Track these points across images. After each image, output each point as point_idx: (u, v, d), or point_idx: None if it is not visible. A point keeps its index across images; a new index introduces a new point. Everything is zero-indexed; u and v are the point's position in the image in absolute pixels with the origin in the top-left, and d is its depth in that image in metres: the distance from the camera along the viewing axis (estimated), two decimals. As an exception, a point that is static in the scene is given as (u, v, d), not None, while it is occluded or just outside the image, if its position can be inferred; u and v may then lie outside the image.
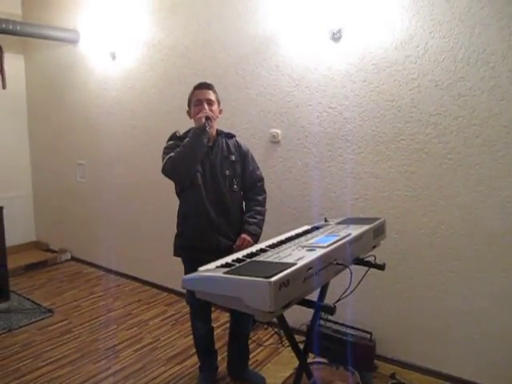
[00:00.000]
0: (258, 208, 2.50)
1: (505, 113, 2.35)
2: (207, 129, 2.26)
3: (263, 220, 2.50)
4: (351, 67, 2.78)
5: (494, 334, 2.49)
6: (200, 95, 2.39)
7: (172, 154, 2.31)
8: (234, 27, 3.28)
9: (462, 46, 2.43)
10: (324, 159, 2.96)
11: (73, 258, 4.94)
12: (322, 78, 2.90)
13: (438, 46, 2.50)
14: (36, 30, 4.27)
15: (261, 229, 2.47)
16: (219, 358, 2.70)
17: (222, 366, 2.71)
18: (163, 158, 2.37)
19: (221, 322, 3.31)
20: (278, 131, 3.14)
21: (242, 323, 2.61)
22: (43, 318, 3.43)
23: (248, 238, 2.40)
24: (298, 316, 2.40)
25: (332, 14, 2.78)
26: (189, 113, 2.49)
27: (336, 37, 2.79)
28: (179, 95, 3.65)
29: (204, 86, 2.42)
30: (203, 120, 2.28)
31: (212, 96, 2.41)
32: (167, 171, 2.34)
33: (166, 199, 3.81)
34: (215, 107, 2.42)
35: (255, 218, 2.45)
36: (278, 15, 3.04)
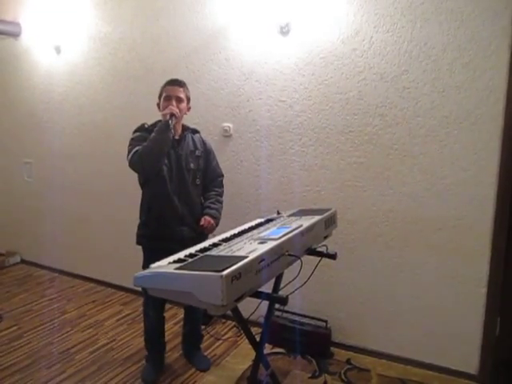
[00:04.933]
0: (218, 197, 2.65)
1: (446, 104, 2.46)
2: (170, 125, 2.30)
3: (222, 208, 2.63)
4: (300, 61, 2.81)
5: (442, 317, 2.61)
6: (170, 91, 2.44)
7: (138, 147, 2.35)
8: (182, 20, 3.24)
9: (405, 39, 2.52)
10: (275, 152, 2.99)
11: (23, 261, 4.73)
12: (272, 72, 2.92)
13: (382, 39, 2.57)
14: (-27, 23, 4.04)
15: (220, 215, 2.60)
16: (177, 354, 2.67)
17: (172, 358, 2.72)
18: (129, 150, 2.40)
19: (179, 317, 3.29)
20: (230, 125, 3.14)
21: (194, 309, 2.68)
22: (-9, 325, 3.28)
23: (212, 220, 2.51)
24: (255, 308, 2.43)
25: (280, 9, 2.81)
26: (158, 105, 2.51)
27: (284, 31, 2.82)
28: (128, 90, 3.58)
29: (175, 83, 2.47)
30: (168, 116, 2.32)
31: (182, 94, 2.46)
32: (134, 165, 2.38)
33: (117, 196, 3.73)
34: (184, 105, 2.47)
35: (216, 204, 2.60)
36: (226, 9, 3.03)
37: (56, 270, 4.40)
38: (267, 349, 2.84)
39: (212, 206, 2.57)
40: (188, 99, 2.52)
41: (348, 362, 2.77)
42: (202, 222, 2.49)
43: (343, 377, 2.60)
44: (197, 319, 2.77)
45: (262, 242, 1.63)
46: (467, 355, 2.57)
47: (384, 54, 2.58)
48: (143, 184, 2.53)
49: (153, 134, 2.33)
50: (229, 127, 3.14)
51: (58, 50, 3.97)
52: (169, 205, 2.44)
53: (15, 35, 4.24)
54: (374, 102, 2.64)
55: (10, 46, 4.33)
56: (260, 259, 1.44)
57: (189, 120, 3.18)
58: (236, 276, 1.31)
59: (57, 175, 4.24)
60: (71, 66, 3.92)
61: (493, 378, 2.53)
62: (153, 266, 1.58)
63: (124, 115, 3.59)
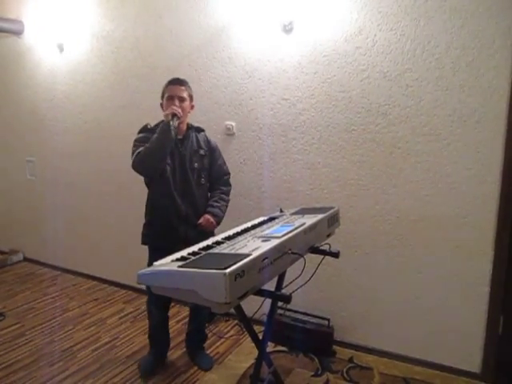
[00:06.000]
0: (222, 195, 2.62)
1: (449, 102, 2.45)
2: (171, 125, 2.28)
3: (226, 206, 2.62)
4: (303, 59, 2.81)
5: (445, 315, 2.61)
6: (172, 91, 2.43)
7: (141, 149, 2.34)
8: (185, 18, 3.23)
9: (409, 38, 2.51)
10: (278, 150, 2.99)
11: (25, 259, 4.74)
12: (275, 70, 2.91)
13: (385, 38, 2.57)
14: (-25, 21, 4.05)
15: (223, 213, 2.58)
16: (180, 352, 2.68)
17: (174, 356, 2.73)
18: (133, 152, 2.40)
19: (182, 315, 3.30)
20: (233, 123, 3.13)
21: (200, 309, 2.67)
22: (-6, 323, 3.29)
23: (211, 218, 2.49)
24: (258, 307, 2.43)
25: (283, 7, 2.80)
26: (162, 105, 2.51)
27: (287, 29, 2.82)
28: (131, 88, 3.58)
29: (177, 82, 2.46)
30: (170, 117, 2.31)
31: (184, 92, 2.45)
32: (137, 167, 2.38)
33: (119, 195, 3.73)
34: (186, 103, 2.46)
35: (219, 203, 2.57)
36: (229, 7, 3.03)
37: (58, 268, 4.41)
38: (270, 347, 2.85)
39: (214, 204, 2.55)
40: (191, 97, 2.52)
41: (350, 360, 2.77)
42: (200, 221, 2.48)
43: (345, 375, 2.60)
44: (202, 319, 2.77)
45: (265, 240, 1.62)
46: (470, 354, 2.57)
47: (387, 53, 2.57)
48: (148, 184, 2.54)
49: (155, 135, 2.32)
50: (231, 126, 3.14)
51: (60, 49, 3.97)
52: (172, 205, 2.43)
53: (18, 33, 4.24)
54: (377, 100, 2.63)
55: (13, 44, 4.33)
56: (263, 257, 1.44)
57: (192, 118, 3.17)
58: (239, 274, 1.31)
59: (59, 173, 4.25)
60: (74, 64, 3.92)
61: (495, 376, 2.53)
62: (156, 263, 1.58)
63: (127, 113, 3.59)
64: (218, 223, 2.55)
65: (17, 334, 3.11)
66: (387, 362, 2.74)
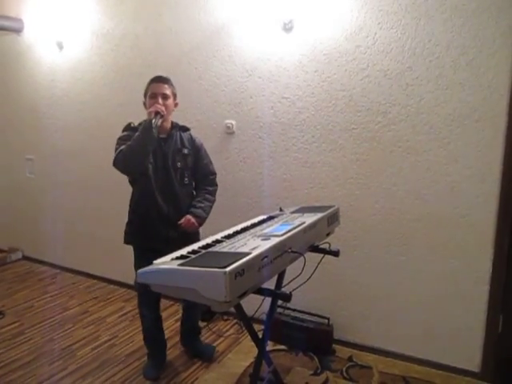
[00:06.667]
0: (206, 195, 2.56)
1: (449, 101, 2.45)
2: (154, 124, 2.23)
3: (210, 207, 2.56)
4: (303, 57, 2.80)
5: (444, 314, 2.61)
6: (155, 89, 2.39)
7: (123, 147, 2.30)
8: (185, 16, 3.23)
9: (409, 36, 2.50)
10: (278, 149, 2.98)
11: (24, 257, 4.74)
12: (275, 69, 2.91)
13: (386, 36, 2.56)
14: (-25, 19, 4.04)
15: (207, 214, 2.52)
16: (178, 351, 2.68)
17: (173, 355, 2.74)
18: (115, 149, 2.37)
19: (180, 314, 3.29)
20: (233, 122, 3.13)
21: (193, 308, 2.70)
22: (-7, 321, 3.29)
23: (192, 219, 2.44)
24: (257, 305, 2.43)
25: (283, 5, 2.79)
26: (145, 104, 2.47)
27: (287, 27, 2.81)
28: (130, 86, 3.57)
29: (159, 80, 2.42)
30: (152, 115, 2.27)
31: (167, 90, 2.41)
32: (118, 165, 2.34)
33: (118, 193, 3.71)
34: (170, 101, 2.42)
35: (202, 203, 2.52)
36: (229, 5, 3.02)
37: (58, 266, 4.41)
38: (269, 346, 2.84)
39: (197, 204, 2.50)
40: (174, 95, 2.47)
41: (350, 359, 2.76)
42: (181, 221, 2.42)
43: (345, 374, 2.60)
44: (196, 317, 2.78)
45: (265, 238, 1.63)
46: (469, 353, 2.57)
47: (388, 51, 2.57)
48: (132, 182, 2.51)
49: (137, 133, 2.27)
50: (232, 124, 3.13)
51: (60, 46, 3.96)
52: (153, 204, 2.40)
53: (17, 31, 4.23)
54: (377, 99, 2.63)
55: (13, 42, 4.32)
56: (263, 256, 1.44)
57: (191, 117, 3.19)
58: (239, 272, 1.31)
59: (59, 172, 4.24)
60: (74, 62, 3.92)
61: (495, 375, 2.53)
62: (155, 262, 1.58)
63: (126, 112, 3.57)
64: (201, 224, 2.50)
65: (16, 333, 3.11)
66: (387, 361, 2.74)
